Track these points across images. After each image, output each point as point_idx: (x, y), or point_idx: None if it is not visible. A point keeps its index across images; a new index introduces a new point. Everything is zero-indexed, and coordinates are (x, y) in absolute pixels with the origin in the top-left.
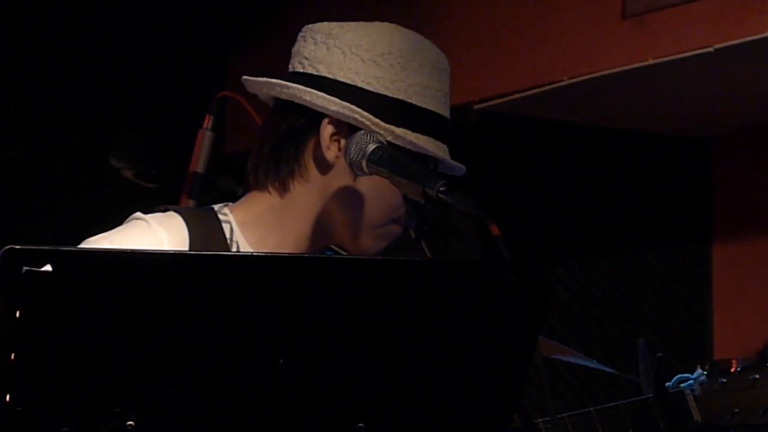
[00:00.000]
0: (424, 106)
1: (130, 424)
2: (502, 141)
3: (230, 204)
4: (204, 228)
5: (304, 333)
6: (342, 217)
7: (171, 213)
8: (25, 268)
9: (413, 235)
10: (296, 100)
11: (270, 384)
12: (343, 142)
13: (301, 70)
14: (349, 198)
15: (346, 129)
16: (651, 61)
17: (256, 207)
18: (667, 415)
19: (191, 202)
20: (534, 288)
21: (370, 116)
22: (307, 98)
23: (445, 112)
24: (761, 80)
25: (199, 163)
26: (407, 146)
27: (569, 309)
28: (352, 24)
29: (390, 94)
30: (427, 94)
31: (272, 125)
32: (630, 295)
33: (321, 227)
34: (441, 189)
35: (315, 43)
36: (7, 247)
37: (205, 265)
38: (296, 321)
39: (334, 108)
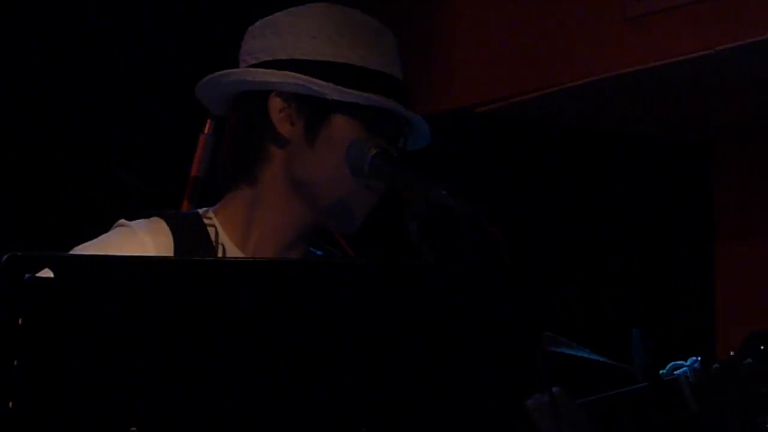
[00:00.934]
0: (368, 66)
1: (133, 430)
2: (504, 144)
3: (213, 207)
4: (189, 232)
5: (304, 337)
6: (313, 191)
7: (155, 218)
8: (27, 274)
9: (414, 239)
10: (241, 86)
11: (271, 389)
12: (294, 113)
13: (245, 66)
14: (304, 166)
15: (293, 99)
16: (652, 64)
17: (234, 205)
18: (662, 404)
19: (192, 207)
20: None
21: (314, 79)
22: (249, 78)
23: (394, 71)
24: (763, 82)
25: (200, 167)
26: (358, 101)
27: (570, 311)
28: (287, 10)
29: (332, 59)
30: (370, 56)
31: (229, 121)
32: (632, 297)
33: (299, 210)
34: (443, 193)
35: (254, 38)
36: (9, 253)
37: (207, 271)
38: (297, 325)
39: (275, 79)
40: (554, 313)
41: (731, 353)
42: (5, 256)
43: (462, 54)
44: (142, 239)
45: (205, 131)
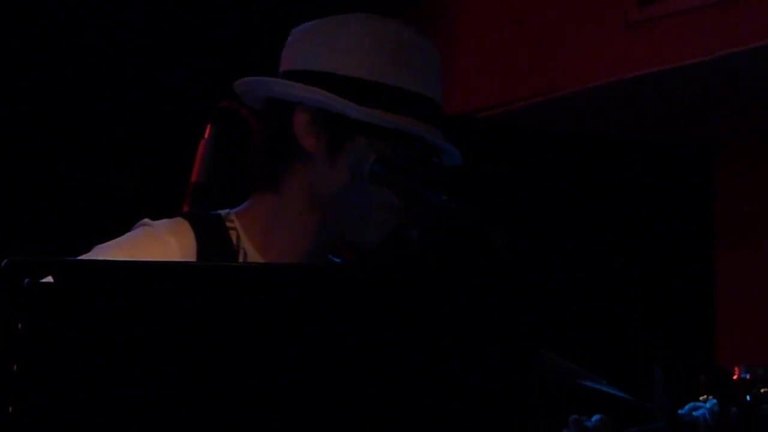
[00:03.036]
0: (402, 86)
1: None
2: (506, 149)
3: (235, 210)
4: (212, 235)
5: (306, 341)
6: (332, 207)
7: (179, 219)
8: (26, 279)
9: (415, 245)
10: (269, 93)
11: (275, 396)
12: (318, 128)
13: (281, 70)
14: (324, 181)
15: (319, 115)
16: (653, 69)
17: (257, 211)
18: None
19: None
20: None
21: (340, 98)
22: (277, 89)
23: (430, 93)
24: (764, 87)
25: (200, 173)
26: (384, 124)
27: (571, 315)
28: (331, 18)
29: (365, 77)
30: (406, 75)
31: (259, 127)
32: (633, 301)
33: (318, 222)
34: (444, 199)
35: (294, 42)
36: (9, 258)
37: (208, 277)
38: (301, 329)
39: (301, 94)
40: (557, 318)
41: (747, 398)
42: (5, 261)
43: (463, 60)
44: (165, 240)
45: (206, 137)
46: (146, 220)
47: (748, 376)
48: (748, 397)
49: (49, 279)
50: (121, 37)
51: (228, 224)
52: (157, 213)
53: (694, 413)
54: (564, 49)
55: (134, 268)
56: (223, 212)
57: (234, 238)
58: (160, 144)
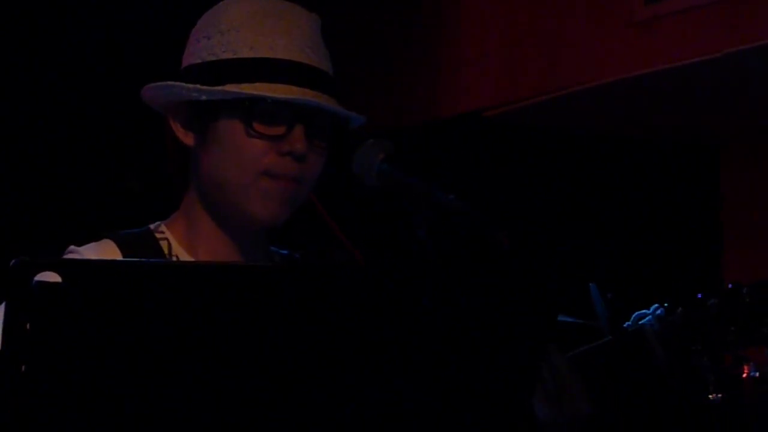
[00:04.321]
0: (258, 56)
1: None
2: (511, 148)
3: (166, 220)
4: (140, 251)
5: (307, 341)
6: (222, 191)
7: (105, 240)
8: (34, 279)
9: (422, 244)
10: (152, 104)
11: (279, 396)
12: (187, 123)
13: None
14: (208, 170)
15: (183, 110)
16: (659, 68)
17: (179, 217)
18: (631, 355)
19: None
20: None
21: (187, 85)
22: (146, 95)
23: (300, 58)
24: None
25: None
26: (225, 96)
27: (577, 315)
28: (205, 14)
29: (215, 58)
30: (267, 45)
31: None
32: (639, 302)
33: (222, 212)
34: (450, 198)
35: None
36: (18, 258)
37: (216, 276)
38: (303, 328)
39: (160, 93)
40: (557, 318)
41: (698, 295)
42: (13, 262)
43: (467, 59)
44: None
45: None
46: (71, 247)
47: (756, 374)
48: (699, 295)
49: (58, 279)
50: (122, 37)
51: (158, 235)
52: (157, 213)
53: (640, 322)
54: (569, 48)
55: (141, 267)
56: (153, 225)
57: (165, 248)
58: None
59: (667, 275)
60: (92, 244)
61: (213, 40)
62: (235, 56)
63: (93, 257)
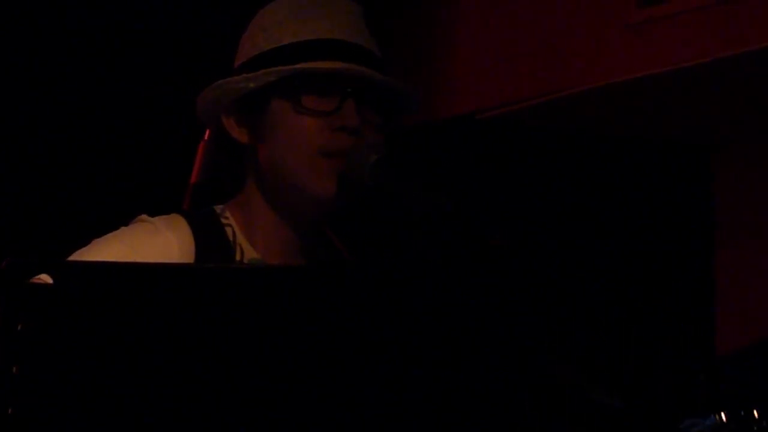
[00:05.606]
0: (299, 39)
1: None
2: (504, 150)
3: (229, 204)
4: (208, 232)
5: (310, 346)
6: (280, 178)
7: (176, 216)
8: (26, 280)
9: (415, 245)
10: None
11: (278, 401)
12: (240, 119)
13: None
14: (266, 158)
15: (234, 107)
16: (653, 71)
17: (239, 207)
18: None
19: None
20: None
21: (233, 78)
22: (199, 103)
23: (341, 35)
24: (762, 90)
25: (199, 174)
26: (269, 78)
27: (570, 315)
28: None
29: (264, 49)
30: (307, 29)
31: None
32: (631, 304)
33: (281, 203)
34: (444, 200)
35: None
36: (9, 259)
37: (207, 279)
38: (303, 329)
39: (210, 96)
40: (555, 318)
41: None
42: (4, 262)
43: (463, 61)
44: (165, 236)
45: (205, 138)
46: (144, 216)
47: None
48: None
49: (49, 280)
50: (121, 37)
51: (223, 220)
52: (158, 212)
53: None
54: (564, 50)
55: (133, 269)
56: (218, 208)
57: (230, 235)
58: (160, 144)
59: (659, 276)
60: (164, 216)
61: (258, 38)
62: (279, 45)
63: (166, 228)
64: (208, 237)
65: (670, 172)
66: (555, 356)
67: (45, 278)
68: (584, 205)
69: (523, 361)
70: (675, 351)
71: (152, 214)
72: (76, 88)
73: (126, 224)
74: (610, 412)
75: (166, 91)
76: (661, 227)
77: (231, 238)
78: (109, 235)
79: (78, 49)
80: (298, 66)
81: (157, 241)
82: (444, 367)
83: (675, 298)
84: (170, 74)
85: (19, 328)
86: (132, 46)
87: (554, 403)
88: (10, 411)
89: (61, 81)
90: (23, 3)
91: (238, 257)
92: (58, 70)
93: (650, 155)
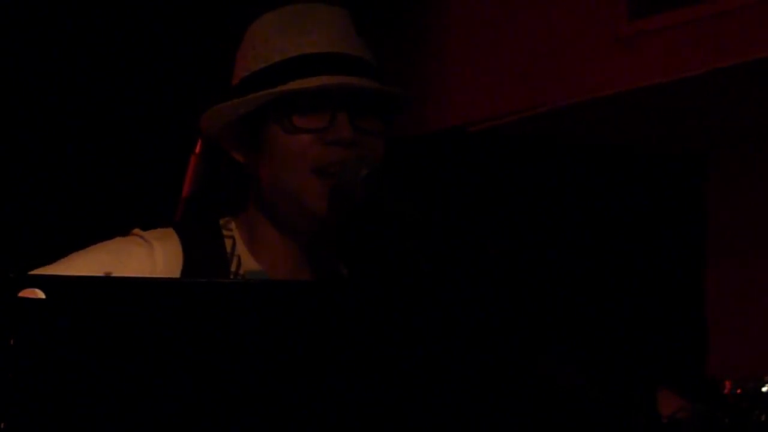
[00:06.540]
0: (288, 57)
1: None
2: (496, 162)
3: (237, 218)
4: (202, 245)
5: (294, 356)
6: (279, 197)
7: (168, 229)
8: (19, 295)
9: (408, 258)
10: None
11: (275, 414)
12: (237, 140)
13: None
14: (265, 177)
15: (229, 129)
16: (644, 84)
17: (244, 222)
18: None
19: None
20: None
21: (224, 105)
22: (203, 126)
23: (331, 48)
24: (752, 100)
25: (191, 187)
26: (268, 98)
27: (564, 324)
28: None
29: (253, 70)
30: (295, 45)
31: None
32: (624, 311)
33: (281, 220)
34: (436, 212)
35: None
36: (1, 274)
37: (198, 294)
38: (292, 345)
39: (209, 124)
40: (549, 326)
41: (730, 380)
42: None
43: (454, 74)
44: (151, 246)
45: (196, 151)
46: (137, 230)
47: (738, 391)
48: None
49: (42, 294)
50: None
51: (225, 232)
52: (155, 220)
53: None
54: (555, 63)
55: (125, 284)
56: (223, 220)
57: (229, 247)
58: (157, 150)
59: (652, 284)
60: (158, 230)
61: (248, 57)
62: (266, 64)
63: (151, 240)
64: (202, 249)
65: (663, 182)
66: (548, 363)
67: (37, 292)
68: (575, 216)
69: (519, 369)
70: (667, 356)
71: (147, 227)
72: (74, 96)
73: (123, 235)
74: (603, 413)
75: (164, 101)
76: (653, 236)
77: (229, 250)
78: (99, 245)
79: (74, 59)
80: (285, 88)
81: (142, 252)
82: (443, 378)
83: (667, 308)
84: (167, 85)
85: (11, 342)
86: (129, 53)
87: (552, 407)
88: (2, 426)
89: (57, 89)
90: (18, 12)
91: (233, 268)
92: (57, 79)
93: (641, 166)
